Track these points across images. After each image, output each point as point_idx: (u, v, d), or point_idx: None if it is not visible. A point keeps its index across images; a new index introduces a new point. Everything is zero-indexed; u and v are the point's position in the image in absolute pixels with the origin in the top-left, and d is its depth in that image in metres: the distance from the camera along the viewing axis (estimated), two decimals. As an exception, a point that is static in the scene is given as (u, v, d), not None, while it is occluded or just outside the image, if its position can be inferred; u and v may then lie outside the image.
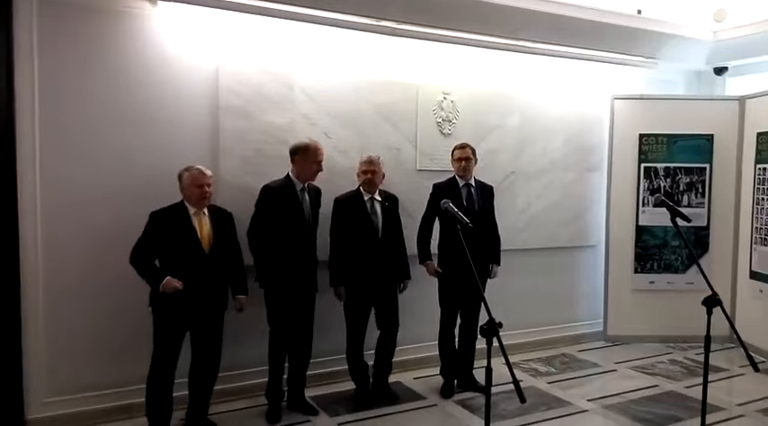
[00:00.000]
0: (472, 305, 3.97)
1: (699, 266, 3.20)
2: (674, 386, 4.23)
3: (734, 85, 5.62)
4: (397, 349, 3.91)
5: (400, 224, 3.89)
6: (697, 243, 5.11)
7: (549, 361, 4.76)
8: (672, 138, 5.11)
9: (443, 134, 4.48)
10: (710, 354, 2.98)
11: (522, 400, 2.23)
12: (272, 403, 3.59)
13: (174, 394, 3.23)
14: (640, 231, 5.16)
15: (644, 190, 5.14)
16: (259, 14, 3.67)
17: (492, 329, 2.28)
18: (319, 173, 3.58)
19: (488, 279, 4.05)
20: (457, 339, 4.04)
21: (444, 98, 4.48)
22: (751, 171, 4.95)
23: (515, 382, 2.22)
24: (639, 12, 4.67)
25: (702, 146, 5.12)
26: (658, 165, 5.14)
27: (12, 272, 3.22)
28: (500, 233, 4.14)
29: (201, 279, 3.14)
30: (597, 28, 4.53)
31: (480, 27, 4.24)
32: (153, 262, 3.12)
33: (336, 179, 3.91)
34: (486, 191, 4.07)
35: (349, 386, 3.94)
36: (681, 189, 5.15)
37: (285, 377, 3.66)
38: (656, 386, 4.23)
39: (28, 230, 3.26)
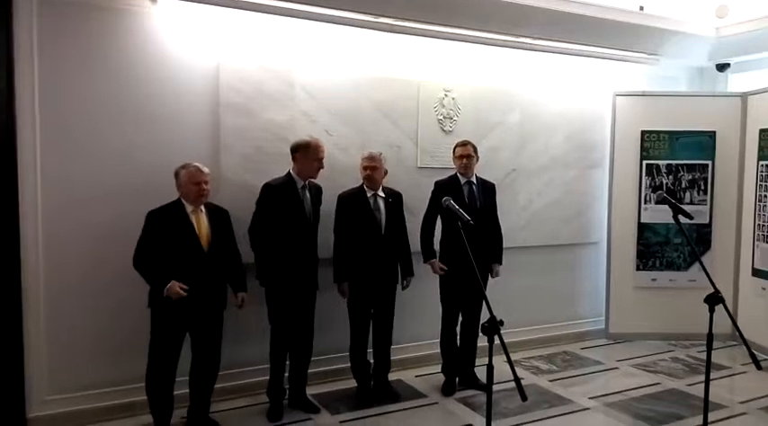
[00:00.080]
0: (474, 302, 3.97)
1: (701, 263, 3.18)
2: (676, 383, 4.23)
3: (736, 82, 5.60)
4: (398, 347, 3.91)
5: (404, 220, 3.89)
6: (699, 240, 5.10)
7: (550, 359, 4.75)
8: (674, 135, 5.09)
9: (444, 131, 4.48)
10: (713, 352, 2.97)
11: (524, 398, 2.22)
12: (274, 402, 3.59)
13: (175, 393, 3.23)
14: (642, 228, 5.15)
15: (646, 188, 5.13)
16: (259, 12, 3.66)
17: (493, 327, 2.28)
18: (320, 171, 3.58)
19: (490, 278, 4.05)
20: (458, 337, 4.04)
21: (445, 95, 4.47)
22: (753, 167, 4.93)
23: (517, 380, 2.22)
24: (641, 8, 4.65)
25: (705, 142, 5.10)
26: (660, 162, 5.12)
27: (13, 270, 3.22)
28: (502, 230, 4.12)
29: (201, 278, 3.13)
30: (599, 24, 4.51)
31: (481, 23, 4.23)
32: (156, 265, 3.08)
33: (337, 176, 3.90)
34: (487, 189, 4.06)
35: (350, 383, 3.94)
36: (683, 186, 5.13)
37: (286, 375, 3.65)
38: (658, 383, 4.23)
39: (29, 228, 3.26)
